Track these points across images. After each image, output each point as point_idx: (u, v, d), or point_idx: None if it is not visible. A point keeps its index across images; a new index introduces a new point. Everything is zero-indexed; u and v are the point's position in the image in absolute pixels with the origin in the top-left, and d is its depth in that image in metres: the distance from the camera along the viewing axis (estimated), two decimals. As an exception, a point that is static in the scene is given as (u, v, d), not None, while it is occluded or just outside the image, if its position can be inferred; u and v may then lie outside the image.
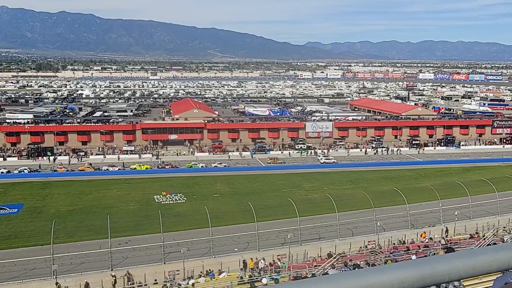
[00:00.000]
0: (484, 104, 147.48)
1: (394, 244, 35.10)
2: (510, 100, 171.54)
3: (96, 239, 39.30)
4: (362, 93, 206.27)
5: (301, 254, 35.11)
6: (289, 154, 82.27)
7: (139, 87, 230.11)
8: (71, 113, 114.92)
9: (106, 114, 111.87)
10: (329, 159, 78.07)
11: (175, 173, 68.78)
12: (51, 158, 75.85)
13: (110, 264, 33.23)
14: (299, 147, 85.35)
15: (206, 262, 33.80)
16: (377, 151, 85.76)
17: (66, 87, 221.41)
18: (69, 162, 74.38)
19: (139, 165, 71.69)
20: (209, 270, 31.24)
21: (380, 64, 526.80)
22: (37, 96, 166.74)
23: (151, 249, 36.47)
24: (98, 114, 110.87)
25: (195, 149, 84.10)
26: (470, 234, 35.20)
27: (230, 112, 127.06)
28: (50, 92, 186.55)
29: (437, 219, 43.45)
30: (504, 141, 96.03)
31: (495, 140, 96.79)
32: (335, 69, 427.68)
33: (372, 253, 30.03)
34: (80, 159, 76.49)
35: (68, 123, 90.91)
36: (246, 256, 34.48)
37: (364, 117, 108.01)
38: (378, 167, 74.26)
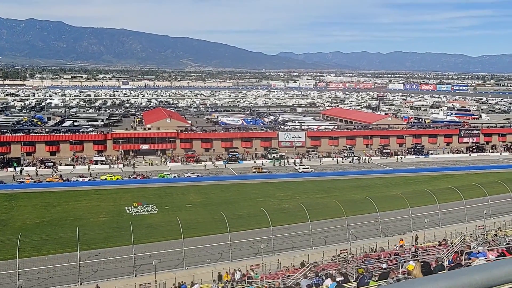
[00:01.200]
0: (451, 113, 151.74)
1: (365, 252, 35.48)
2: (476, 110, 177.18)
3: (64, 252, 38.28)
4: (334, 102, 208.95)
5: (274, 264, 35.08)
6: (262, 163, 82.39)
7: (110, 96, 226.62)
8: (39, 123, 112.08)
9: (76, 123, 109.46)
10: (307, 168, 78.70)
11: (147, 184, 67.84)
12: (18, 169, 73.63)
13: (79, 278, 32.42)
14: (272, 157, 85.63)
15: (178, 274, 33.37)
16: (352, 160, 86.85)
17: (34, 96, 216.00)
18: (37, 173, 72.34)
19: (110, 176, 70.37)
20: (181, 282, 30.81)
21: (351, 75, 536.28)
22: (3, 105, 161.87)
23: (122, 261, 35.77)
24: (67, 123, 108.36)
25: (168, 159, 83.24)
26: (438, 241, 35.93)
27: (203, 121, 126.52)
28: (17, 101, 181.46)
29: (407, 227, 44.28)
30: (471, 149, 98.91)
31: (462, 148, 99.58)
32: (307, 79, 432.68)
33: (344, 262, 30.26)
34: (54, 170, 74.43)
35: (36, 133, 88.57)
36: (219, 267, 34.22)
37: (336, 127, 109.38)
38: (351, 176, 75.19)
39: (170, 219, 46.31)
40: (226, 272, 32.46)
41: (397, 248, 34.95)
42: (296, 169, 79.00)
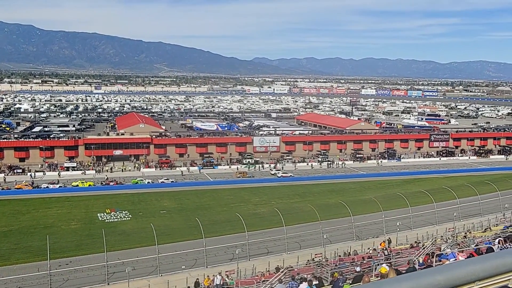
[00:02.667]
0: (422, 119, 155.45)
1: (340, 256, 35.81)
2: (445, 115, 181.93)
3: (34, 261, 37.26)
4: (308, 108, 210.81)
5: (250, 269, 35.00)
6: (237, 169, 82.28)
7: (82, 101, 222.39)
8: (7, 128, 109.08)
9: (46, 129, 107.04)
10: (286, 173, 79.12)
11: (120, 190, 66.68)
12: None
13: (49, 287, 31.58)
14: (247, 162, 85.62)
15: (152, 281, 32.92)
16: (328, 164, 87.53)
17: (2, 100, 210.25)
18: (5, 180, 70.22)
19: (82, 182, 68.94)
20: (156, 289, 30.36)
21: (325, 80, 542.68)
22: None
23: (94, 269, 35.03)
24: (37, 129, 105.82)
25: (141, 165, 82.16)
26: (411, 244, 36.58)
27: (177, 127, 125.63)
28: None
29: (380, 230, 44.92)
30: (441, 153, 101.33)
31: (432, 153, 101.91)
32: (281, 84, 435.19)
33: (319, 266, 30.45)
34: (32, 175, 72.15)
35: (4, 138, 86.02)
36: (194, 274, 33.89)
37: (310, 132, 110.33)
38: (325, 180, 75.81)
39: (144, 225, 45.67)
40: (208, 276, 32.08)
41: (371, 252, 35.43)
42: (274, 174, 79.23)
